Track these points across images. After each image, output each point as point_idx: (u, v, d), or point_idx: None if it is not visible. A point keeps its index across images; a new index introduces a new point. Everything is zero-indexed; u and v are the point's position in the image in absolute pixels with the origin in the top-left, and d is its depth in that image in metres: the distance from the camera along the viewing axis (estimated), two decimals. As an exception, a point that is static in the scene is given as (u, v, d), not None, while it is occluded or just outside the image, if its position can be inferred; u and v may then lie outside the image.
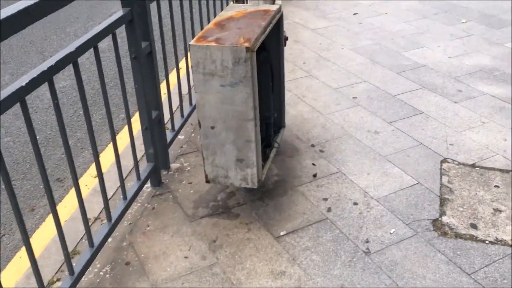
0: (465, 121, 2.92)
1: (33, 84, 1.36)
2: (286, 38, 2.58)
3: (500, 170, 2.47)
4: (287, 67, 3.65)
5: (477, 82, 3.37)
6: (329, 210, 2.24)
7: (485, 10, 4.68)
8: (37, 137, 3.13)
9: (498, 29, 4.24)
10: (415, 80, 3.43)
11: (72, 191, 2.51)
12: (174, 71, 2.73)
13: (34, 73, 1.37)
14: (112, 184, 2.43)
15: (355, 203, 2.27)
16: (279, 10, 2.34)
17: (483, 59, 3.71)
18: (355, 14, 4.73)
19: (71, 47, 1.51)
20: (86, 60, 3.94)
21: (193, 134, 2.89)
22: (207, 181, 2.20)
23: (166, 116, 2.76)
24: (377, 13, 4.72)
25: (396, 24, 4.44)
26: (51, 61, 1.42)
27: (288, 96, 3.24)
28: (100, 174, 1.87)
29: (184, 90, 3.03)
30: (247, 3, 2.92)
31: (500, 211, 2.18)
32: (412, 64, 3.67)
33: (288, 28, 4.38)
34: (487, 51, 3.84)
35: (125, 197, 2.10)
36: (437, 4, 4.91)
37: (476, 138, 2.74)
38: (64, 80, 3.78)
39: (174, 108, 2.81)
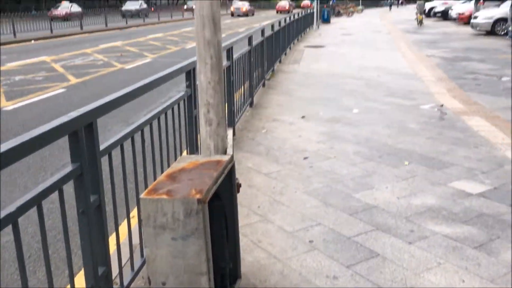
0: (421, 262, 2.91)
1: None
2: (239, 185, 2.61)
3: (463, 313, 2.40)
4: (242, 212, 3.64)
5: (427, 221, 3.46)
6: None
7: (425, 153, 5.02)
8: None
9: (439, 170, 4.51)
10: (368, 221, 3.48)
11: None
12: (125, 221, 2.65)
13: (-33, 237, 1.28)
14: None
15: None
16: (231, 159, 2.40)
17: (429, 199, 3.87)
18: (305, 158, 4.95)
19: (11, 207, 1.44)
20: (34, 212, 3.78)
21: (143, 289, 2.71)
22: None
23: (115, 269, 2.59)
24: (326, 157, 4.96)
25: (344, 168, 4.65)
26: (-12, 223, 1.34)
27: (243, 242, 3.17)
28: None
29: (136, 239, 2.91)
30: (200, 154, 3.01)
31: None
32: (364, 206, 3.76)
33: (241, 173, 4.48)
34: (432, 191, 4.03)
35: None
36: (380, 148, 5.24)
37: (434, 280, 2.71)
38: (9, 234, 3.57)
39: (124, 261, 2.66)
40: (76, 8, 37.76)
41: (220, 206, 2.32)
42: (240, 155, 5.06)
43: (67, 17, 31.99)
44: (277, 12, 53.13)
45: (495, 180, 4.22)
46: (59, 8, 36.90)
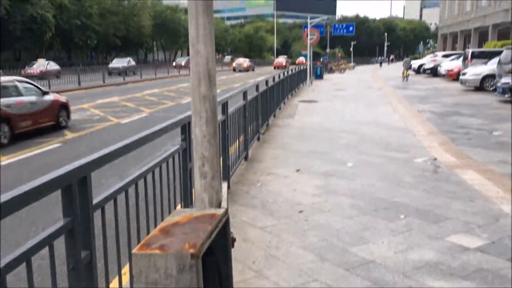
0: (421, 319, 2.83)
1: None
2: (234, 240, 2.57)
3: None
4: (236, 267, 3.56)
5: (426, 277, 3.39)
6: None
7: (420, 207, 5.00)
8: None
9: (435, 224, 4.47)
10: (365, 277, 3.41)
11: None
12: (116, 278, 2.58)
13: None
14: None
15: None
16: (226, 213, 2.37)
17: (427, 253, 3.81)
18: (300, 212, 4.90)
19: None
20: (23, 269, 3.69)
21: None
22: None
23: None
24: (321, 211, 4.92)
25: (340, 221, 4.60)
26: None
27: (238, 299, 3.08)
28: None
29: (127, 298, 2.83)
30: (194, 207, 2.98)
31: None
32: (360, 260, 3.69)
33: (236, 227, 4.42)
34: (429, 245, 3.98)
35: None
36: (375, 201, 5.22)
37: (435, 339, 2.62)
38: (-6, 291, 3.46)
39: (113, 321, 2.57)
40: (53, 66, 34.77)
41: (214, 261, 2.27)
42: (234, 208, 5.02)
43: (42, 76, 28.42)
44: (274, 68, 55.46)
45: (492, 234, 4.18)
46: (34, 66, 33.63)
